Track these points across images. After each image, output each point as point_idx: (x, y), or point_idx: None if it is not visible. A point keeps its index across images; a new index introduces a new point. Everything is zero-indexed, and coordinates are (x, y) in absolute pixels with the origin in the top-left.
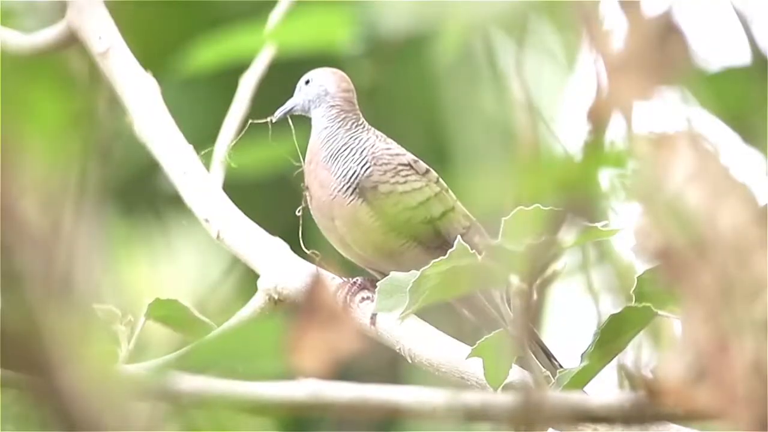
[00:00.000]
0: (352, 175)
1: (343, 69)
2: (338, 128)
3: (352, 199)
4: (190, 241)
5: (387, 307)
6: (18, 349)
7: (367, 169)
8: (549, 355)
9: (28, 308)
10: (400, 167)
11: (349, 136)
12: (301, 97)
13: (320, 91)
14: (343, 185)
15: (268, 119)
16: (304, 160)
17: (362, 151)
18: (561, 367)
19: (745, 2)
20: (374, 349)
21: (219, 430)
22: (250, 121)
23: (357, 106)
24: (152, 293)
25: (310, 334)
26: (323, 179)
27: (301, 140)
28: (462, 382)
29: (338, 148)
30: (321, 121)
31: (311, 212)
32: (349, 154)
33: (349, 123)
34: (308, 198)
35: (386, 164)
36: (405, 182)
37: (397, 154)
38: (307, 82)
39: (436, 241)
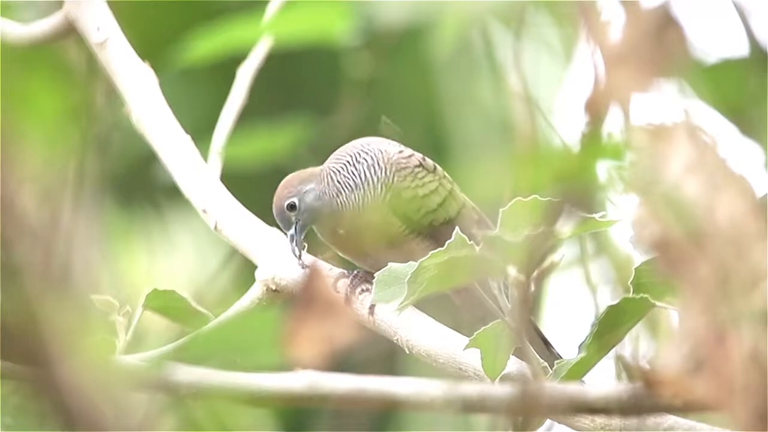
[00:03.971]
0: (381, 188)
1: (341, 61)
2: (344, 178)
3: (383, 213)
4: (188, 232)
5: (385, 297)
6: (16, 341)
7: (392, 178)
8: (547, 344)
9: (26, 299)
10: (416, 169)
11: (358, 164)
12: (304, 217)
13: (313, 194)
14: (376, 202)
15: (296, 253)
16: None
17: (380, 162)
18: (559, 356)
19: None
20: (372, 340)
21: (217, 422)
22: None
23: (322, 167)
24: (150, 284)
25: (307, 325)
26: (357, 218)
27: (301, 133)
28: (460, 373)
29: (358, 180)
30: (327, 203)
31: (338, 249)
32: (372, 173)
33: (345, 165)
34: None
35: (404, 168)
36: (423, 185)
37: (409, 156)
38: (292, 206)
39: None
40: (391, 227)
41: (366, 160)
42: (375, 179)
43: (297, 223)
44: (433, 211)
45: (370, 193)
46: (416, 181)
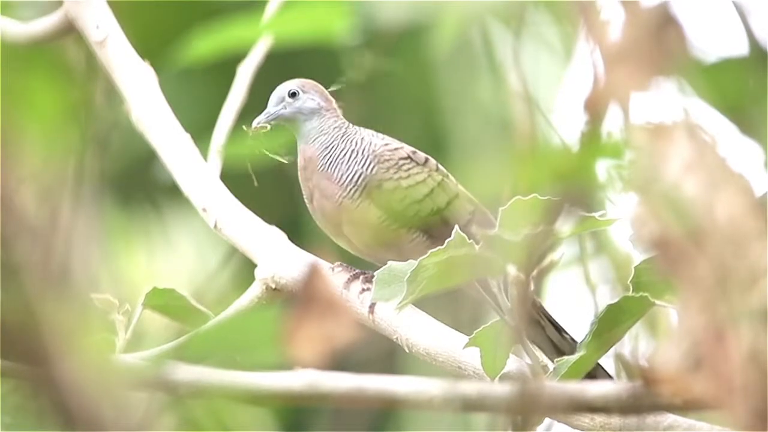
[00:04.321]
0: (358, 178)
1: (340, 60)
2: (335, 136)
3: (360, 202)
4: (188, 231)
5: (385, 296)
6: (16, 339)
7: (371, 169)
8: (560, 330)
9: (26, 298)
10: (401, 161)
11: (347, 141)
12: (290, 109)
13: (314, 105)
14: (350, 190)
15: (254, 126)
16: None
17: (363, 152)
18: (573, 340)
19: None
20: (371, 338)
21: (217, 421)
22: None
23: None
24: (150, 282)
25: (307, 324)
26: (325, 188)
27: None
28: (459, 372)
29: (338, 154)
30: (314, 130)
31: (314, 218)
32: (351, 157)
33: (343, 129)
34: (308, 203)
35: (388, 160)
36: (408, 176)
37: (396, 149)
38: (294, 94)
39: (444, 230)
40: (371, 217)
41: (355, 150)
42: (355, 171)
43: (284, 108)
44: (419, 202)
45: (345, 180)
46: (400, 173)
